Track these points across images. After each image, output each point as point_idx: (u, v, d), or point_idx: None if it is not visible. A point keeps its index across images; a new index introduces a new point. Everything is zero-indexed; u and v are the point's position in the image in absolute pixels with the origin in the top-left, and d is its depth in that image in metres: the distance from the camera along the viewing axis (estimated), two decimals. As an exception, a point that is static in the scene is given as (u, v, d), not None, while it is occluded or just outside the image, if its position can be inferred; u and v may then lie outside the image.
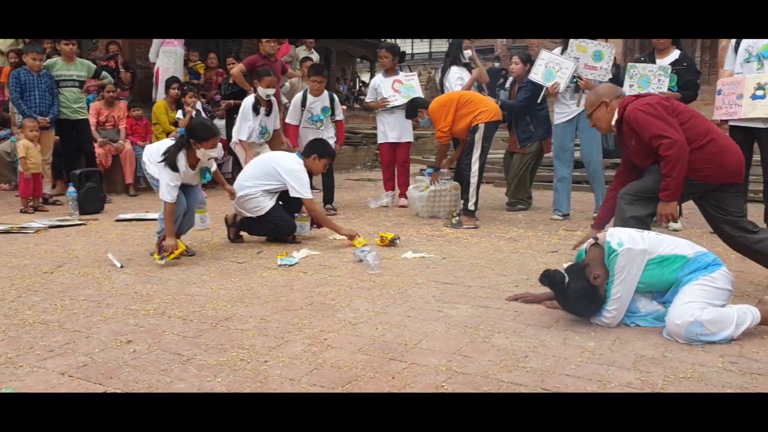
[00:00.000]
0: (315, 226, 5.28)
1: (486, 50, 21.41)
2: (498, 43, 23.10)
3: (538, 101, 6.38)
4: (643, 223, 3.46)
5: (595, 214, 4.85)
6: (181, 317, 3.19)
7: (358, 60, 21.31)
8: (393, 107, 6.90)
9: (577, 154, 6.45)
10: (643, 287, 2.98)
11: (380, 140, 7.18)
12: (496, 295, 3.56)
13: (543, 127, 6.59)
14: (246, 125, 6.39)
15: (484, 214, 6.33)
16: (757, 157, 5.05)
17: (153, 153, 4.51)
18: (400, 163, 7.11)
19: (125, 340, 2.86)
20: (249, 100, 6.44)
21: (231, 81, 8.38)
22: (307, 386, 2.36)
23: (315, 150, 5.17)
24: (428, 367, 2.53)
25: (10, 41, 9.38)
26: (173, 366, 2.56)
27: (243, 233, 5.15)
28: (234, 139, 6.58)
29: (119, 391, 2.32)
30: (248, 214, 5.00)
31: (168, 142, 4.51)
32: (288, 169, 4.93)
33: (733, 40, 5.09)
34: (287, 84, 8.88)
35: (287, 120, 6.78)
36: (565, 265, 3.20)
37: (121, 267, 4.24)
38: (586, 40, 5.80)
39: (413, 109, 6.20)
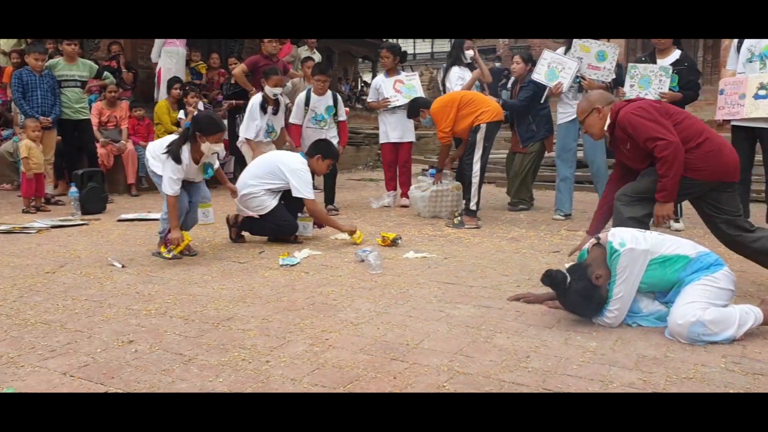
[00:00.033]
0: (317, 226, 5.27)
1: (488, 50, 21.42)
2: (500, 43, 23.09)
3: (542, 101, 6.37)
4: (642, 223, 3.47)
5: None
6: (183, 317, 3.19)
7: (360, 60, 21.30)
8: (394, 107, 6.90)
9: (579, 154, 6.44)
10: (645, 287, 2.98)
11: (382, 140, 7.19)
12: (497, 295, 3.56)
13: (545, 126, 6.58)
14: (253, 124, 6.36)
15: (485, 214, 6.32)
16: (759, 157, 5.04)
17: (156, 149, 4.52)
18: (401, 163, 7.11)
19: (127, 340, 2.86)
20: (256, 99, 6.41)
21: (233, 81, 8.39)
22: (309, 386, 2.36)
23: (319, 150, 5.17)
24: (430, 367, 2.52)
25: (12, 41, 9.40)
26: (175, 366, 2.56)
27: (245, 233, 5.15)
28: (241, 137, 6.56)
29: (121, 391, 2.32)
30: (251, 213, 5.00)
31: (171, 138, 4.51)
32: (292, 169, 4.94)
33: (736, 40, 5.08)
34: (289, 84, 8.86)
35: (290, 120, 6.78)
36: (567, 265, 3.19)
37: (123, 267, 4.24)
38: (589, 40, 5.79)
39: (415, 108, 6.20)
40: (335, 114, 6.74)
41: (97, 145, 7.90)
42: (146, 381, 2.41)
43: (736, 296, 3.08)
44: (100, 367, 2.55)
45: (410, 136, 7.08)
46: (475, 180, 5.62)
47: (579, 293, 2.94)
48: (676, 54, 5.44)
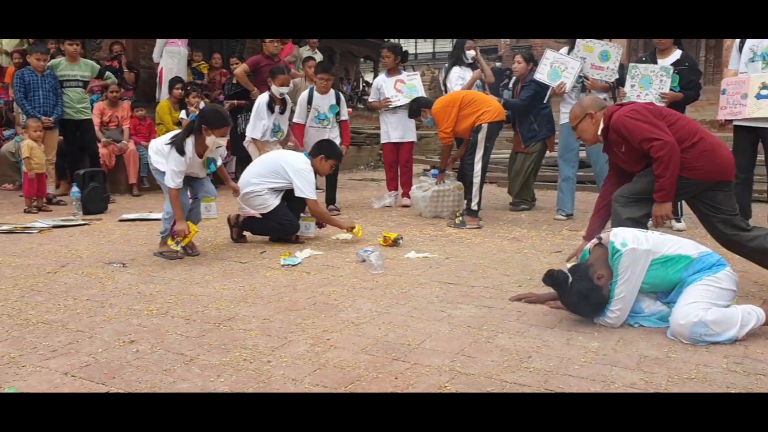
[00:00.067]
0: (318, 226, 5.27)
1: (489, 50, 21.42)
2: (502, 43, 23.11)
3: (545, 101, 6.37)
4: (639, 224, 3.47)
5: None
6: (184, 317, 3.19)
7: (362, 60, 21.32)
8: (395, 107, 6.90)
9: (582, 154, 6.43)
10: (647, 287, 2.98)
11: (383, 140, 7.19)
12: (499, 295, 3.55)
13: (546, 126, 6.58)
14: (260, 123, 6.29)
15: (487, 214, 6.32)
16: (761, 157, 5.03)
17: (159, 144, 4.52)
18: (402, 163, 7.10)
19: (128, 340, 2.86)
20: (263, 99, 6.33)
21: (234, 81, 8.39)
22: (310, 386, 2.36)
23: (323, 150, 5.17)
24: (431, 367, 2.52)
25: (15, 42, 9.40)
26: (176, 366, 2.56)
27: (246, 233, 5.15)
28: (247, 137, 6.51)
29: (122, 391, 2.32)
30: (252, 212, 5.00)
31: (174, 133, 4.50)
32: (295, 169, 4.94)
33: (738, 40, 5.08)
34: (290, 84, 8.87)
35: (293, 119, 6.78)
36: (569, 265, 3.19)
37: (124, 266, 4.24)
38: (593, 40, 5.79)
39: (416, 108, 6.20)
40: (338, 113, 6.73)
41: (99, 145, 7.91)
42: (147, 381, 2.41)
43: (738, 296, 3.08)
44: (101, 367, 2.55)
45: (411, 136, 7.08)
46: (476, 180, 5.62)
47: (581, 293, 2.93)
48: (676, 54, 5.43)
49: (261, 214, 4.99)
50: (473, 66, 6.80)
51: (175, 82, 8.59)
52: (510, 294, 3.54)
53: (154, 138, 8.23)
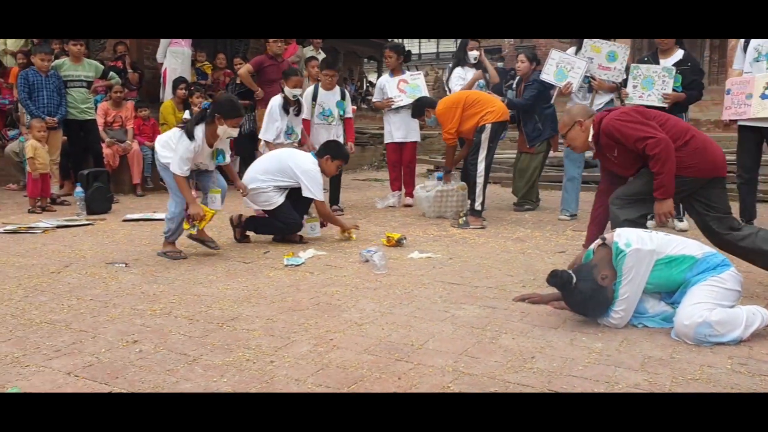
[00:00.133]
0: (321, 225, 5.28)
1: (493, 50, 21.39)
2: (505, 43, 23.09)
3: (551, 101, 6.36)
4: (638, 225, 3.48)
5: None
6: (188, 317, 3.19)
7: (366, 60, 21.33)
8: (399, 107, 6.89)
9: (588, 154, 6.40)
10: (651, 288, 2.97)
11: (387, 140, 7.19)
12: (503, 295, 3.55)
13: (551, 125, 6.56)
14: (273, 126, 6.08)
15: (491, 214, 6.31)
16: (766, 157, 5.01)
17: (166, 137, 4.53)
18: (405, 163, 7.09)
19: (131, 340, 2.86)
20: (277, 101, 6.14)
21: (238, 81, 8.39)
22: (313, 386, 2.36)
23: (329, 151, 5.17)
24: (435, 367, 2.52)
25: (19, 42, 9.42)
26: (179, 366, 2.56)
27: (250, 233, 5.15)
28: (261, 141, 6.42)
29: (125, 391, 2.32)
30: (256, 207, 5.00)
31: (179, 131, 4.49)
32: (304, 169, 4.94)
33: (742, 40, 5.06)
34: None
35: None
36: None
37: (126, 266, 4.24)
38: (600, 40, 5.78)
39: (420, 108, 6.20)
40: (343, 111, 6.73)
41: (103, 145, 7.92)
42: (150, 381, 2.41)
43: (743, 297, 3.07)
44: (104, 367, 2.56)
45: (414, 136, 7.07)
46: (480, 180, 5.61)
47: (585, 294, 2.93)
48: (678, 54, 5.40)
49: (265, 212, 5.00)
50: (477, 67, 6.79)
51: (178, 82, 8.60)
52: (513, 294, 3.53)
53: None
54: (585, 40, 5.84)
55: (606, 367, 2.52)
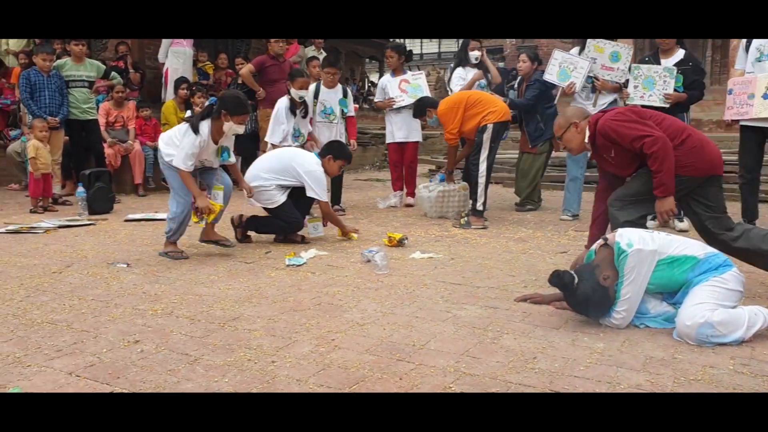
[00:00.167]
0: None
1: (495, 50, 21.38)
2: (507, 43, 23.06)
3: (554, 101, 6.35)
4: (638, 225, 3.48)
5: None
6: (189, 317, 3.19)
7: (367, 60, 21.30)
8: (400, 107, 6.89)
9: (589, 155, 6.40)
10: (653, 288, 2.96)
11: (388, 140, 7.20)
12: (504, 295, 3.54)
13: (552, 125, 6.56)
14: (279, 128, 6.00)
15: (492, 214, 6.31)
16: (767, 157, 5.01)
17: (169, 134, 4.53)
18: (407, 163, 7.09)
19: (133, 340, 2.86)
20: (283, 103, 6.06)
21: (240, 81, 8.39)
22: (315, 387, 2.35)
23: (331, 151, 5.17)
24: (436, 368, 2.52)
25: (21, 42, 9.44)
26: (180, 366, 2.56)
27: (251, 233, 5.15)
28: (268, 144, 6.37)
29: (126, 391, 2.32)
30: (258, 205, 5.01)
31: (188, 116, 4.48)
32: (307, 170, 4.94)
33: (744, 40, 5.05)
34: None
35: None
36: (574, 266, 3.18)
37: (128, 266, 4.25)
38: (603, 40, 5.77)
39: (421, 108, 6.19)
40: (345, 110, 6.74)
41: (105, 145, 7.93)
42: (152, 381, 2.41)
43: (745, 297, 3.06)
44: (105, 367, 2.56)
45: (416, 136, 7.07)
46: (482, 180, 5.61)
47: (586, 294, 2.92)
48: (680, 54, 5.40)
49: (267, 210, 5.00)
50: (478, 67, 6.78)
51: (180, 82, 8.61)
52: (515, 294, 3.53)
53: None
54: (588, 40, 5.84)
55: (608, 367, 2.52)
